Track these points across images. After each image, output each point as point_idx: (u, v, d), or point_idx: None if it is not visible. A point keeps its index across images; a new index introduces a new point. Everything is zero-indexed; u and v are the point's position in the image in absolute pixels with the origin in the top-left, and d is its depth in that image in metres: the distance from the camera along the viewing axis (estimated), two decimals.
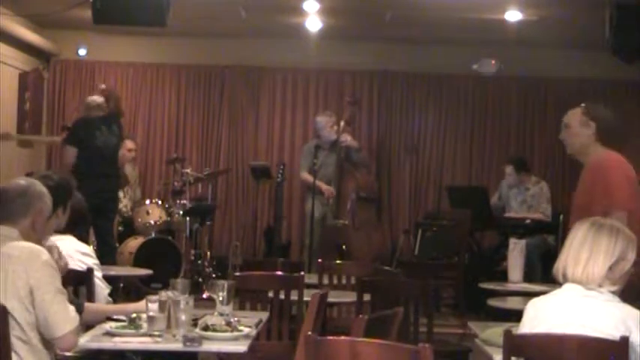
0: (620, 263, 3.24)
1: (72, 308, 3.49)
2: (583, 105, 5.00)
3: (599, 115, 4.91)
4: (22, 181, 3.63)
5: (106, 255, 7.19)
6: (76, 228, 4.89)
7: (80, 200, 4.90)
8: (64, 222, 4.26)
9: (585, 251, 3.24)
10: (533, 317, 3.31)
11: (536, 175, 9.35)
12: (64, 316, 3.39)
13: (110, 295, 4.83)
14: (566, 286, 3.27)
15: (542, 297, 3.37)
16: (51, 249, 3.70)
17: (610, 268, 3.22)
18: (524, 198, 8.95)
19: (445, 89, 10.87)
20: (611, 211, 4.60)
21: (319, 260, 6.41)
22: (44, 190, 3.60)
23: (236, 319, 3.89)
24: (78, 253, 4.67)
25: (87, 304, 4.15)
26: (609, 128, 4.90)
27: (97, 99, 8.33)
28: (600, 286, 3.21)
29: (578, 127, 4.93)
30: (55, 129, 10.79)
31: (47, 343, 3.42)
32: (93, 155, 7.95)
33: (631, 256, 3.27)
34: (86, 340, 3.62)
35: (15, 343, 3.34)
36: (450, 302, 8.85)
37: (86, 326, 3.94)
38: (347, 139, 9.23)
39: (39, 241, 3.61)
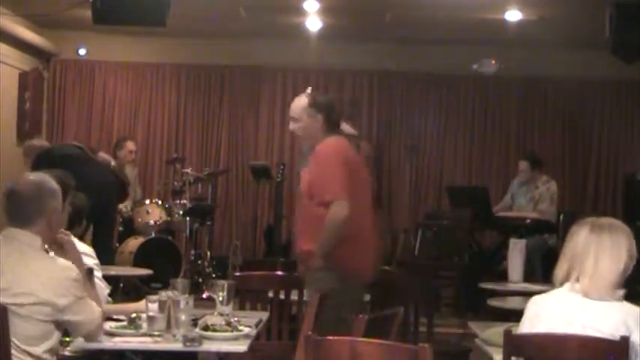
0: (629, 262, 3.21)
1: (93, 304, 3.52)
2: (308, 95, 4.96)
3: (324, 104, 4.89)
4: (33, 177, 3.55)
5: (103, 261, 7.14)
6: (73, 227, 4.88)
7: (80, 198, 4.90)
8: (65, 220, 4.27)
9: (590, 258, 3.19)
10: (533, 316, 3.30)
11: (547, 175, 9.30)
12: (89, 317, 3.46)
13: (110, 295, 4.83)
14: (567, 286, 3.26)
15: (543, 295, 3.35)
16: (66, 244, 3.70)
17: (620, 271, 3.19)
18: (532, 195, 8.96)
19: (445, 89, 10.87)
20: (332, 200, 4.63)
21: None
22: (56, 186, 3.54)
23: (236, 319, 3.88)
24: None
25: None
26: (335, 117, 4.92)
27: (43, 142, 8.36)
28: (607, 294, 3.18)
29: (306, 120, 4.90)
30: (55, 129, 10.81)
31: (51, 351, 3.42)
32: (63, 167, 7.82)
33: (635, 251, 3.24)
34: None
35: (17, 354, 3.34)
36: (450, 302, 8.84)
37: None
38: (345, 127, 9.23)
39: (54, 239, 3.61)
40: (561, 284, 3.27)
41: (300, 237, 4.88)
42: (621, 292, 3.21)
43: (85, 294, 3.48)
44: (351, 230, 4.68)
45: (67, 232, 3.77)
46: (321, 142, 4.84)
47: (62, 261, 3.50)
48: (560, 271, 3.28)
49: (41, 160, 7.69)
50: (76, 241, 4.72)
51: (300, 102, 4.96)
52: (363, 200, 4.85)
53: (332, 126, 4.89)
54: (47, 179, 3.54)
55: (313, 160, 4.86)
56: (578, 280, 3.21)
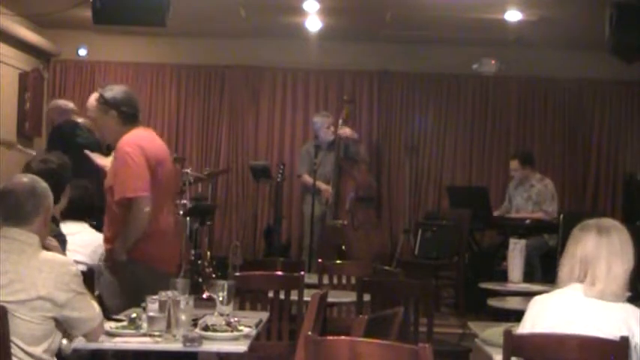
0: (634, 261, 3.22)
1: (94, 302, 3.55)
2: (98, 94, 4.96)
3: (115, 101, 4.88)
4: (25, 178, 3.59)
5: None
6: (91, 214, 4.93)
7: (88, 186, 4.95)
8: (65, 204, 4.34)
9: (603, 261, 3.19)
10: (536, 314, 3.30)
11: (540, 173, 9.28)
12: (90, 315, 3.49)
13: None
14: (576, 286, 3.25)
15: (546, 294, 3.35)
16: (53, 249, 3.73)
17: (631, 269, 3.20)
18: (529, 195, 8.92)
19: (445, 89, 10.87)
20: (134, 196, 4.66)
21: (319, 260, 6.41)
22: (46, 185, 3.59)
23: (236, 319, 3.89)
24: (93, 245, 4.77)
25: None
26: (130, 109, 4.91)
27: (68, 103, 8.30)
28: (621, 296, 3.19)
29: (102, 118, 4.93)
30: None
31: (51, 351, 3.43)
32: (76, 154, 7.85)
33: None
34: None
35: (17, 354, 3.34)
36: (450, 302, 8.85)
37: None
38: (345, 131, 9.27)
39: (46, 236, 3.64)
40: (565, 285, 3.26)
41: (105, 233, 4.92)
42: (627, 293, 3.22)
43: (86, 290, 3.51)
44: (153, 223, 4.73)
45: (52, 238, 3.82)
46: (122, 139, 4.84)
47: (61, 257, 3.53)
48: (565, 274, 3.27)
49: (55, 133, 7.74)
50: (93, 231, 4.83)
51: (92, 101, 5.03)
52: (165, 192, 4.88)
53: (129, 119, 4.89)
54: (38, 179, 3.60)
55: (115, 156, 4.87)
56: (593, 283, 3.20)
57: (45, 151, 8.27)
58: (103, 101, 4.89)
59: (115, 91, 4.94)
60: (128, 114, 4.88)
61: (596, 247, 3.21)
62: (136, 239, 4.69)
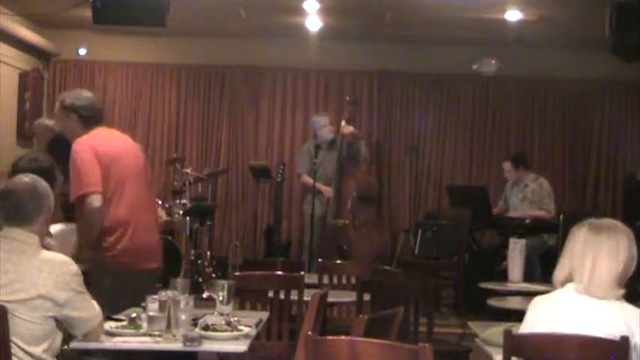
0: (629, 263, 3.21)
1: (94, 302, 3.55)
2: (59, 100, 5.10)
3: (73, 106, 4.99)
4: (26, 178, 3.58)
5: None
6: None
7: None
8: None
9: (588, 259, 3.20)
10: (535, 315, 3.30)
11: (535, 172, 9.30)
12: (89, 314, 3.50)
13: None
14: (570, 286, 3.25)
15: (546, 295, 3.36)
16: (52, 249, 3.74)
17: (620, 271, 3.19)
18: (524, 195, 8.93)
19: (445, 89, 10.87)
20: (85, 193, 4.71)
21: (319, 260, 6.41)
22: (47, 184, 3.59)
23: (236, 319, 3.89)
24: None
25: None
26: (89, 113, 4.99)
27: (50, 121, 8.34)
28: (608, 293, 3.18)
29: (63, 122, 5.08)
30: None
31: (50, 351, 3.43)
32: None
33: (635, 251, 3.24)
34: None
35: (17, 354, 3.34)
36: (450, 302, 8.84)
37: None
38: (349, 129, 9.28)
39: (46, 236, 3.66)
40: (562, 285, 3.27)
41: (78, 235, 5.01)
42: (621, 291, 3.21)
43: (86, 290, 3.51)
44: (114, 221, 4.79)
45: (52, 237, 3.83)
46: (76, 140, 4.92)
47: (61, 256, 3.53)
48: (559, 272, 3.28)
49: (54, 144, 7.80)
50: None
51: (56, 107, 5.15)
52: (129, 192, 4.90)
53: (88, 122, 4.99)
54: (39, 179, 3.60)
55: (70, 157, 4.95)
56: (580, 281, 3.20)
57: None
58: (62, 107, 5.03)
59: (75, 97, 5.07)
60: (88, 117, 4.99)
61: (583, 243, 3.22)
62: (94, 236, 4.76)
